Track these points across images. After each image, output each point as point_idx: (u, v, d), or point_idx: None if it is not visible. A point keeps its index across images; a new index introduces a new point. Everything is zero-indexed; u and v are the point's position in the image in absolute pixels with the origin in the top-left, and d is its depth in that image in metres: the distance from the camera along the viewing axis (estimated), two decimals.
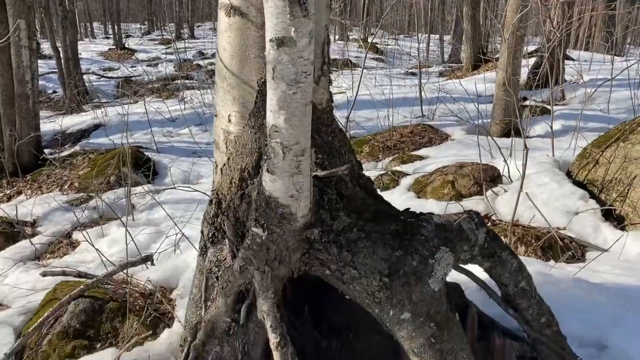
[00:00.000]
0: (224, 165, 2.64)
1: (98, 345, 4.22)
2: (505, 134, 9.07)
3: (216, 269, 2.75)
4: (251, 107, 2.54)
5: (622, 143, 5.58)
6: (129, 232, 5.26)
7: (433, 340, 2.44)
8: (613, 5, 18.62)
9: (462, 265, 2.77)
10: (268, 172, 2.26)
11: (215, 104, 2.69)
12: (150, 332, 4.22)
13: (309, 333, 3.22)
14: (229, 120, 2.59)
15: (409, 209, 2.64)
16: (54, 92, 20.36)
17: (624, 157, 5.43)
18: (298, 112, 2.05)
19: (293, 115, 2.05)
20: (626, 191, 5.28)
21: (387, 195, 5.20)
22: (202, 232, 2.85)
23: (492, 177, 5.92)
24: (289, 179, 2.23)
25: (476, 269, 2.78)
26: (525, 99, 12.15)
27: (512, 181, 6.16)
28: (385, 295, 2.43)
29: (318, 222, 2.45)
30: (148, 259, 4.81)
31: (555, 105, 10.52)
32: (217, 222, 2.71)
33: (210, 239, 2.77)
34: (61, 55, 17.23)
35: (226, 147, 2.62)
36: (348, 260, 2.45)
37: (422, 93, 11.65)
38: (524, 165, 4.49)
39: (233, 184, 2.58)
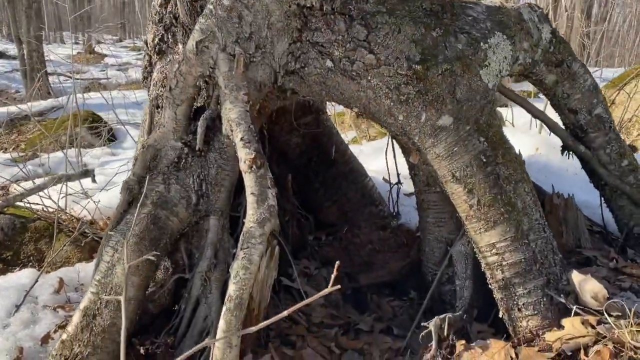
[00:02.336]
0: None
1: (16, 270, 3.27)
2: None
3: (165, 94, 1.89)
4: None
5: None
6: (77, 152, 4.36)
7: (484, 159, 1.62)
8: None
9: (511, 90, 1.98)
10: None
11: None
12: (85, 256, 3.33)
13: (293, 211, 2.37)
14: None
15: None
16: (17, 91, 19.26)
17: None
18: None
19: None
20: None
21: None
22: (145, 43, 2.01)
23: None
24: None
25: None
26: None
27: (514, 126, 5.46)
28: (415, 90, 1.61)
29: None
30: (88, 173, 3.90)
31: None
32: (167, 14, 1.87)
33: (157, 47, 1.93)
34: (24, 46, 16.19)
35: None
36: (362, 39, 1.64)
37: None
38: None
39: None
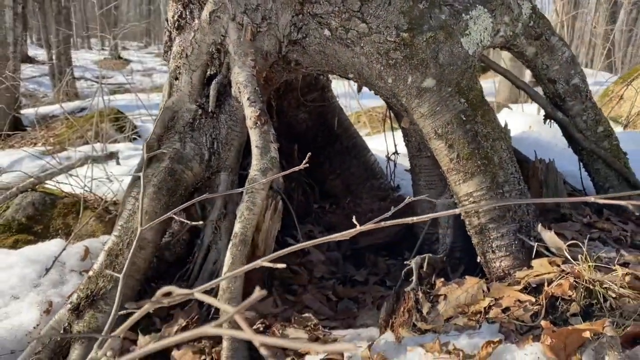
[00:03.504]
0: None
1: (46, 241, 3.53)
2: None
3: (182, 61, 2.12)
4: None
5: None
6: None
7: (464, 118, 1.82)
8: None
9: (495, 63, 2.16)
10: None
11: None
12: (109, 230, 3.58)
13: (298, 180, 2.58)
14: None
15: None
16: (45, 95, 19.83)
17: None
18: None
19: None
20: None
21: None
22: (166, 20, 2.24)
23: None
24: None
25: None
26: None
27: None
28: (403, 55, 1.82)
29: None
30: (112, 155, 4.16)
31: None
32: None
33: (176, 24, 2.16)
34: (53, 51, 16.74)
35: None
36: (355, 10, 1.85)
37: None
38: None
39: None
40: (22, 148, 8.13)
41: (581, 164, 2.26)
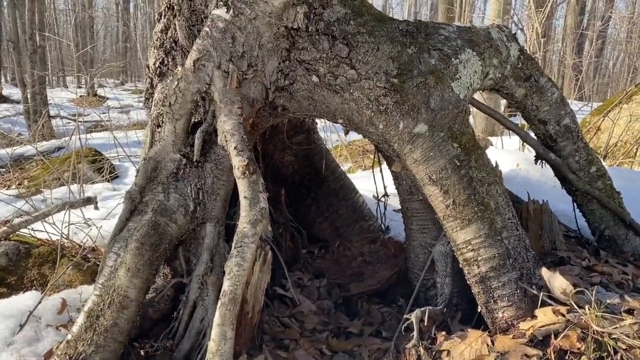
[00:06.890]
0: None
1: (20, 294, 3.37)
2: None
3: (165, 109, 2.05)
4: None
5: (626, 104, 5.15)
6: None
7: (458, 163, 1.77)
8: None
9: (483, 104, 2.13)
10: None
11: None
12: (87, 279, 3.43)
13: (286, 225, 2.50)
14: None
15: (420, 20, 2.03)
16: (20, 134, 19.59)
17: (629, 116, 4.97)
18: None
19: None
20: (635, 149, 4.79)
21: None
22: (147, 67, 2.18)
23: (484, 148, 5.40)
24: None
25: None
26: None
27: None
28: (393, 101, 1.77)
29: (303, 2, 1.81)
30: (90, 200, 4.04)
31: None
32: (167, 39, 2.04)
33: (158, 70, 2.10)
34: (28, 90, 16.56)
35: None
36: (344, 56, 1.80)
37: None
38: None
39: None
40: None
41: (575, 204, 2.22)
